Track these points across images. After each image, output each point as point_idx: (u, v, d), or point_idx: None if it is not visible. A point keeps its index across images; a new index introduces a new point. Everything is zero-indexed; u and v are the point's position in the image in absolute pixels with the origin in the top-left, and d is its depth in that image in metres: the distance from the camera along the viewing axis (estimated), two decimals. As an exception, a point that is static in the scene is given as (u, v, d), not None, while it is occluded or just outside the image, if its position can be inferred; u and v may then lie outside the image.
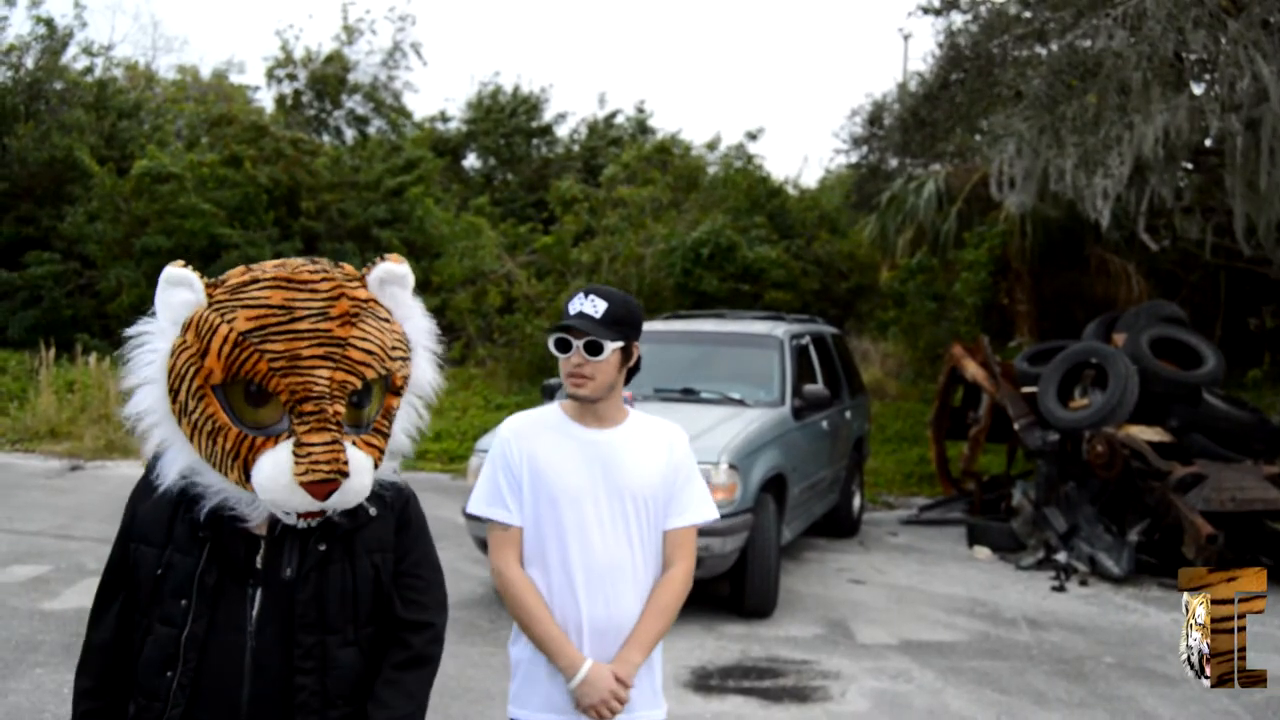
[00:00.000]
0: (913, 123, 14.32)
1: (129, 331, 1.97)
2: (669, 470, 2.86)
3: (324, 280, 1.93)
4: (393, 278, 2.03)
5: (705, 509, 2.93)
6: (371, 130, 27.34)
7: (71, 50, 25.10)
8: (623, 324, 2.77)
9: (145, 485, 2.10)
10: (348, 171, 22.51)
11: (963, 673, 6.04)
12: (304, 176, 21.76)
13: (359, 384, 1.90)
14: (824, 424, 8.64)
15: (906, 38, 39.71)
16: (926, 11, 13.19)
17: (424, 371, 2.13)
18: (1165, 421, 9.12)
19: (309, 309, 1.88)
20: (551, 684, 2.80)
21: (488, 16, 61.88)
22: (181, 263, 1.94)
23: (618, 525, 2.79)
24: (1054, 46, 11.14)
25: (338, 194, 21.88)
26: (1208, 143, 11.01)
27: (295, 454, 1.83)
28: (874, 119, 19.03)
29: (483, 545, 7.07)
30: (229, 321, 1.85)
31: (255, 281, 1.91)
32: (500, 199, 24.16)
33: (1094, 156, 9.71)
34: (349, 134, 27.40)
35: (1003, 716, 5.40)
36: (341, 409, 1.87)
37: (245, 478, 1.88)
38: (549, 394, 8.61)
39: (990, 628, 6.97)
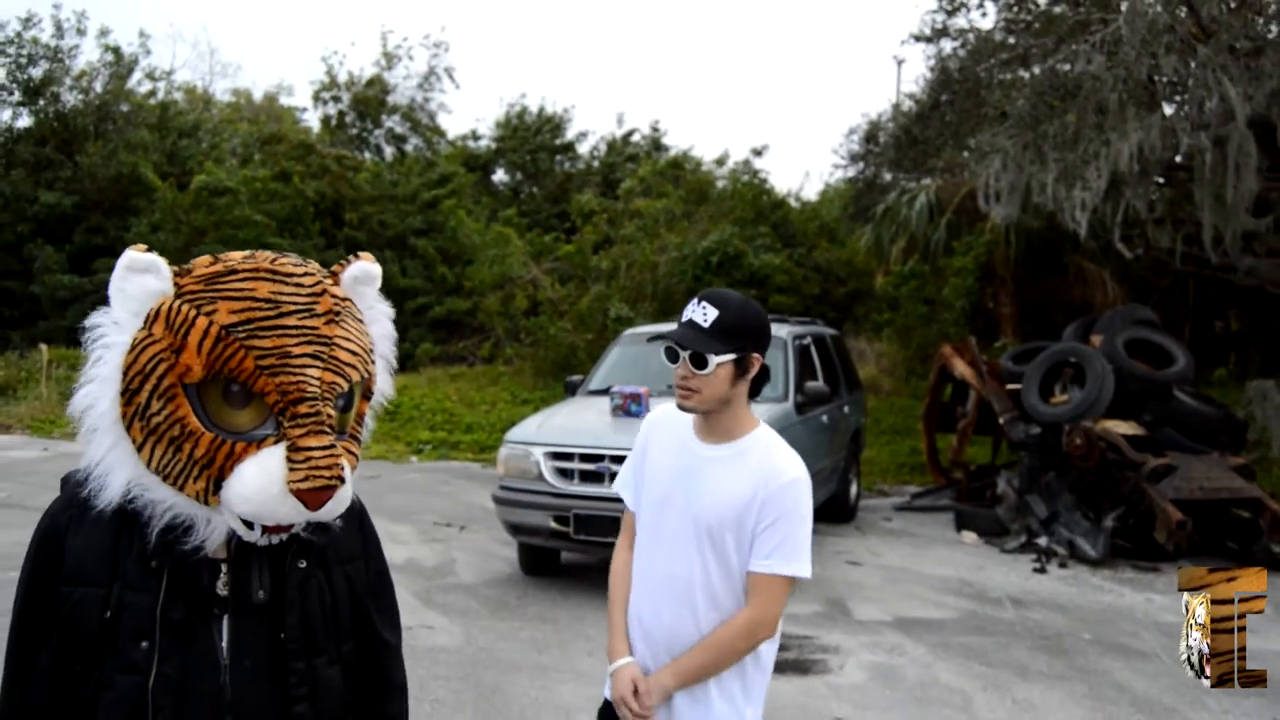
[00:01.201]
0: (906, 140, 14.30)
1: (88, 323, 1.59)
2: (753, 504, 2.40)
3: (306, 275, 1.63)
4: (367, 278, 1.75)
5: (792, 563, 2.40)
6: (409, 148, 27.42)
7: (136, 75, 25.37)
8: (735, 334, 2.35)
9: (69, 516, 1.65)
10: (387, 186, 22.62)
11: (952, 647, 6.02)
12: (347, 190, 21.87)
13: (345, 386, 1.61)
14: (824, 418, 8.62)
15: (900, 63, 39.60)
16: (918, 39, 13.19)
17: (382, 380, 1.78)
18: (1139, 416, 9.08)
19: (295, 304, 1.58)
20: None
21: (515, 43, 61.94)
22: (144, 246, 1.59)
23: (688, 542, 2.43)
24: (1036, 70, 11.09)
25: (378, 206, 21.98)
26: (1178, 159, 10.93)
27: (291, 459, 1.51)
28: (870, 137, 18.98)
29: (513, 529, 7.09)
30: (208, 314, 1.52)
31: (233, 272, 1.58)
32: (526, 211, 24.18)
33: (1073, 171, 9.66)
34: (388, 151, 27.49)
35: (989, 688, 5.38)
36: (333, 411, 1.58)
37: (213, 489, 1.53)
38: (571, 390, 8.62)
39: (977, 606, 6.94)
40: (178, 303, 1.55)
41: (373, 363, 1.71)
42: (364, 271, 1.75)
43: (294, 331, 1.55)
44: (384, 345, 1.79)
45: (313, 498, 1.52)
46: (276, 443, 1.53)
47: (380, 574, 1.90)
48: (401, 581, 6.90)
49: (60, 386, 16.12)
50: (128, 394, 1.54)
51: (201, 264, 1.62)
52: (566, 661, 5.62)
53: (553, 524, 6.69)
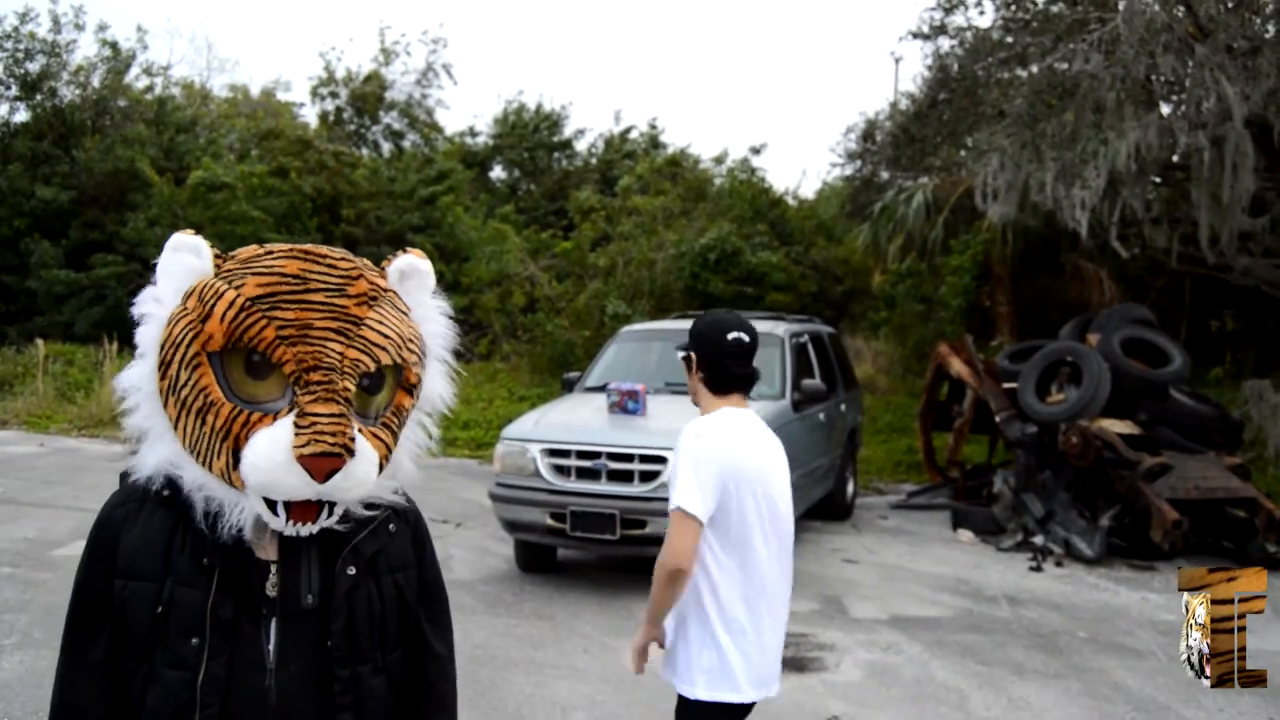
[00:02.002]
0: (903, 139, 14.29)
1: (137, 301, 1.63)
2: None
3: (343, 260, 1.64)
4: (414, 271, 1.73)
5: (673, 497, 2.86)
6: (406, 144, 27.37)
7: (134, 70, 25.28)
8: (690, 336, 3.09)
9: (125, 511, 1.66)
10: (384, 182, 22.58)
11: (948, 645, 6.02)
12: (344, 186, 21.84)
13: (372, 366, 1.57)
14: (820, 416, 8.61)
15: (898, 61, 39.59)
16: (916, 37, 13.17)
17: (436, 384, 1.76)
18: (1135, 415, 9.08)
19: (325, 283, 1.58)
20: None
21: (513, 40, 61.82)
22: (192, 230, 1.64)
23: None
24: (1034, 69, 11.08)
25: (375, 202, 21.94)
26: (1175, 158, 10.93)
27: (297, 425, 1.49)
28: (867, 135, 18.99)
29: (509, 526, 7.09)
30: (237, 287, 1.54)
31: (270, 254, 1.61)
32: (524, 207, 24.15)
33: (1071, 170, 9.66)
34: (386, 147, 27.43)
35: (985, 686, 5.38)
36: (352, 386, 1.55)
37: (234, 464, 1.52)
38: (568, 387, 8.61)
39: (973, 604, 6.94)
40: (214, 280, 1.57)
41: (416, 356, 1.67)
42: (410, 265, 1.73)
43: (320, 307, 1.55)
44: (438, 345, 1.77)
45: (315, 465, 1.49)
46: (290, 413, 1.52)
47: (434, 583, 1.88)
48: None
49: (56, 382, 16.11)
50: (163, 367, 1.57)
51: (246, 251, 1.65)
52: (563, 658, 5.62)
53: (549, 521, 6.68)
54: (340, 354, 1.54)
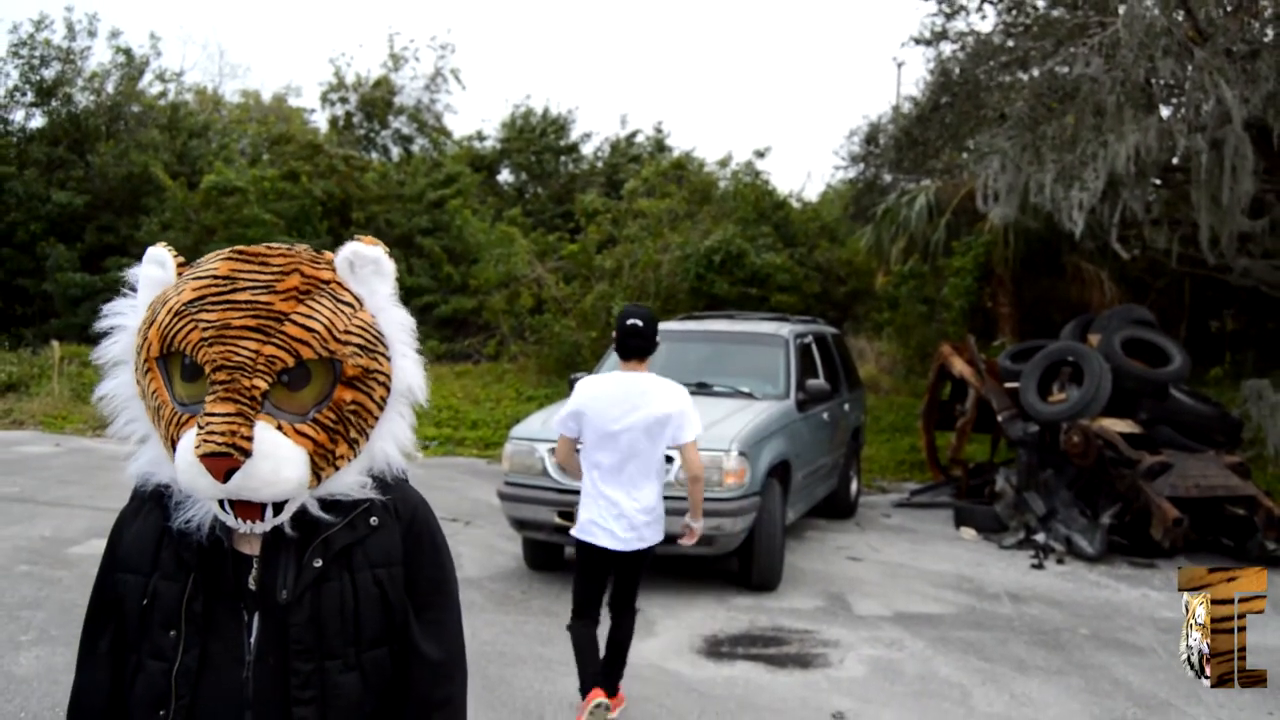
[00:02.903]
0: (906, 142, 14.27)
1: (106, 309, 1.69)
2: None
3: (280, 256, 1.61)
4: (361, 260, 1.65)
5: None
6: (415, 148, 27.40)
7: (147, 77, 25.40)
8: None
9: (131, 508, 1.74)
10: (394, 185, 22.63)
11: (950, 642, 6.01)
12: (354, 190, 21.89)
13: (291, 361, 1.53)
14: (825, 415, 8.61)
15: (900, 65, 39.54)
16: (919, 42, 13.16)
17: (407, 372, 1.72)
18: (1135, 415, 9.07)
19: (254, 281, 1.55)
20: None
21: (521, 45, 61.91)
22: (164, 244, 1.67)
23: None
24: (1035, 73, 11.08)
25: (385, 206, 21.99)
26: (1175, 160, 10.91)
27: (198, 425, 1.49)
28: (870, 138, 18.98)
29: (518, 524, 7.09)
30: (179, 293, 1.56)
31: (214, 256, 1.62)
32: (531, 210, 24.16)
33: (1071, 172, 9.64)
34: (395, 151, 27.47)
35: (987, 682, 5.37)
36: (263, 384, 1.51)
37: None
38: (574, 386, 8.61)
39: (975, 601, 6.93)
40: (170, 288, 1.61)
41: (350, 346, 1.59)
42: (356, 254, 1.66)
43: (242, 306, 1.53)
44: (401, 334, 1.72)
45: (211, 465, 1.47)
46: None
47: (435, 583, 1.81)
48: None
49: (72, 383, 16.15)
50: (138, 372, 1.62)
51: (206, 256, 1.66)
52: (570, 655, 5.61)
53: (557, 519, 6.68)
54: (255, 352, 1.51)
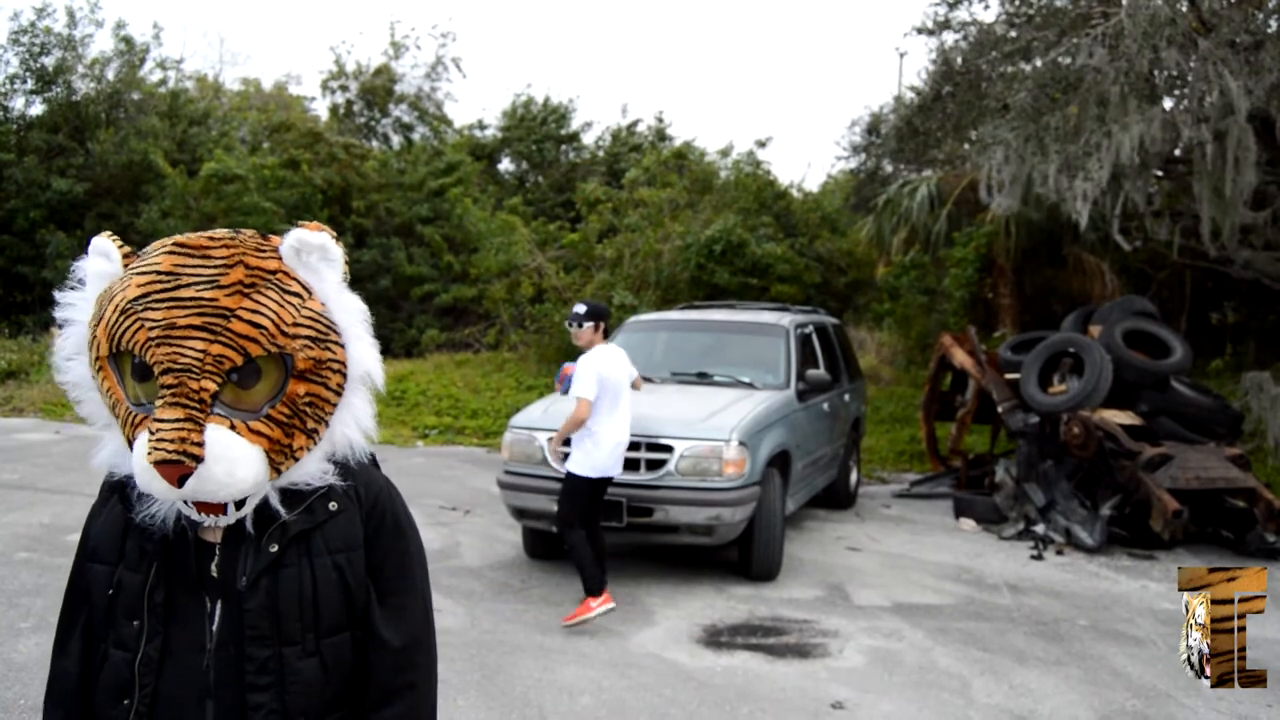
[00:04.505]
0: (907, 132, 14.22)
1: (59, 298, 1.64)
2: None
3: (222, 247, 1.56)
4: (307, 247, 1.61)
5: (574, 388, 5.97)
6: (416, 137, 27.33)
7: (148, 64, 25.26)
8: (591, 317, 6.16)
9: (100, 499, 1.76)
10: (394, 174, 22.57)
11: (950, 633, 6.02)
12: (355, 178, 21.83)
13: (239, 360, 1.50)
14: (825, 405, 8.60)
15: (902, 55, 39.47)
16: (921, 31, 13.12)
17: (364, 358, 1.68)
18: (1136, 406, 9.05)
19: (197, 276, 1.52)
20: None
21: (521, 34, 61.75)
22: (109, 233, 1.63)
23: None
24: (1038, 63, 11.05)
25: (385, 194, 21.94)
26: (1178, 152, 10.88)
27: (149, 431, 1.48)
28: (872, 129, 18.97)
29: (518, 513, 7.09)
30: (123, 289, 1.53)
31: (157, 249, 1.59)
32: (532, 199, 24.11)
33: (1075, 162, 9.62)
34: (395, 140, 27.40)
35: (986, 672, 5.38)
36: (211, 385, 1.49)
37: None
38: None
39: (975, 592, 6.93)
40: (115, 282, 1.58)
41: (300, 339, 1.57)
42: (302, 241, 1.61)
43: (188, 304, 1.50)
44: (353, 321, 1.67)
45: (164, 472, 1.47)
46: None
47: (399, 568, 1.79)
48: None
49: (72, 370, 16.14)
50: (91, 368, 1.60)
51: (151, 246, 1.63)
52: (570, 643, 5.63)
53: (557, 508, 6.68)
54: (203, 352, 1.49)
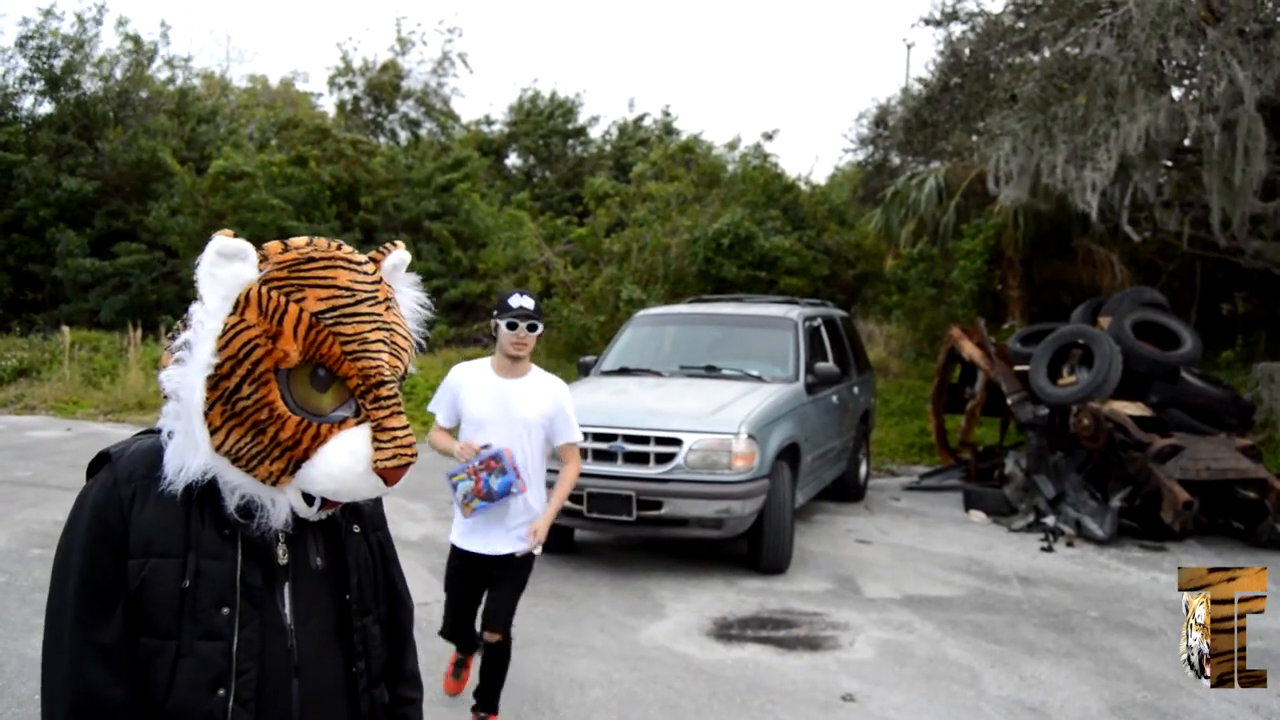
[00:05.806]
0: (915, 123, 14.17)
1: (197, 309, 1.60)
2: (553, 407, 4.27)
3: (368, 263, 1.69)
4: (403, 263, 1.78)
5: (577, 434, 4.37)
6: (423, 132, 27.34)
7: (155, 62, 25.29)
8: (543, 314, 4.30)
9: (131, 490, 1.64)
10: (402, 170, 22.59)
11: (960, 625, 6.02)
12: (362, 174, 21.86)
13: (403, 370, 1.68)
14: (834, 398, 8.60)
15: (910, 46, 39.38)
16: (928, 23, 13.07)
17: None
18: (1146, 397, 9.03)
19: (367, 292, 1.63)
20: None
21: (528, 29, 61.66)
22: (230, 232, 1.61)
23: (512, 438, 4.15)
24: (1046, 53, 10.99)
25: (393, 190, 21.97)
26: (1187, 142, 10.83)
27: (377, 439, 1.60)
28: (879, 120, 18.85)
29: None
30: (298, 302, 1.56)
31: (311, 260, 1.61)
32: (539, 194, 24.11)
33: (1083, 153, 9.59)
34: (403, 136, 27.42)
35: (997, 664, 5.37)
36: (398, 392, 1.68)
37: (290, 469, 1.58)
38: (584, 371, 8.61)
39: (985, 584, 6.93)
40: (265, 289, 1.57)
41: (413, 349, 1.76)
42: (402, 259, 1.77)
43: (368, 318, 1.62)
44: (415, 326, 1.84)
45: (394, 475, 1.62)
46: (358, 424, 1.61)
47: (390, 540, 1.99)
48: (417, 557, 6.93)
49: (82, 368, 16.22)
50: (215, 379, 1.56)
51: (275, 250, 1.63)
52: (580, 637, 5.64)
53: (566, 502, 6.69)
54: (390, 363, 1.64)
